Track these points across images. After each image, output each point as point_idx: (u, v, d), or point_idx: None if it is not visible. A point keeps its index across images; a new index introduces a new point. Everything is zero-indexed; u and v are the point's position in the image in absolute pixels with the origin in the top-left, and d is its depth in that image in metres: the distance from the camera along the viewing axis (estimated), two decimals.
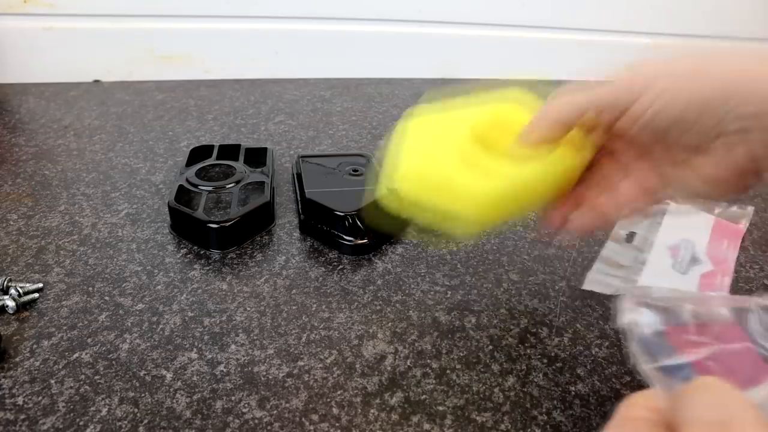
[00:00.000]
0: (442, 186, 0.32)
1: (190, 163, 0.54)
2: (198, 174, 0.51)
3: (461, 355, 0.36)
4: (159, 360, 0.35)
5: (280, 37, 0.83)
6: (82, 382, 0.33)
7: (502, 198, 0.32)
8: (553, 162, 0.33)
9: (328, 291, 0.41)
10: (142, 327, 0.37)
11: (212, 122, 0.69)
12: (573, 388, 0.34)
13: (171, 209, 0.46)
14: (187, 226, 0.45)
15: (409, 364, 0.35)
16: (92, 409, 0.31)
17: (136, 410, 0.31)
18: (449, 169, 0.32)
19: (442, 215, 0.33)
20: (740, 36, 0.98)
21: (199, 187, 0.49)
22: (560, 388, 0.34)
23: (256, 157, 0.57)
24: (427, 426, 0.31)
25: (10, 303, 0.37)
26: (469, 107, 0.37)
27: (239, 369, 0.34)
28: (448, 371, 0.35)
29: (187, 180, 0.49)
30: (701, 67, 0.28)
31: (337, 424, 0.31)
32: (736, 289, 0.44)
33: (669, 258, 0.46)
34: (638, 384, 0.35)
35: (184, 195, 0.48)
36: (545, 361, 0.36)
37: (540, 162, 0.33)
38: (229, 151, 0.56)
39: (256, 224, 0.47)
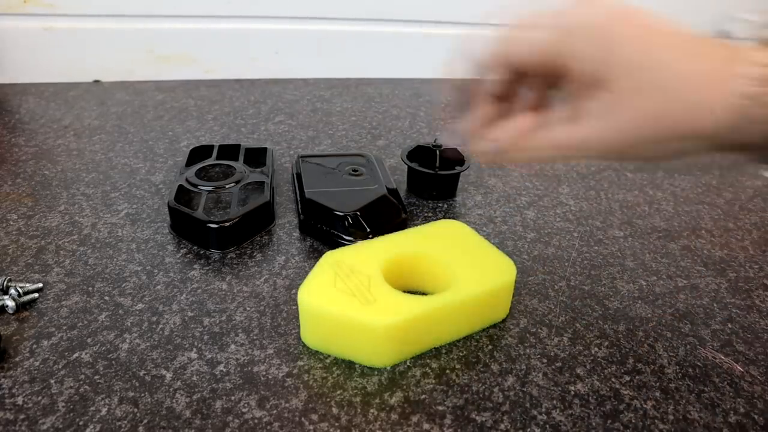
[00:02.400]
0: (342, 329, 0.35)
1: (189, 163, 0.54)
2: (198, 174, 0.51)
3: (461, 354, 0.36)
4: (159, 360, 0.35)
5: (280, 37, 0.83)
6: (81, 382, 0.33)
7: (402, 333, 0.34)
8: (458, 293, 0.36)
9: None
10: (141, 327, 0.37)
11: (212, 122, 0.69)
12: (572, 388, 0.34)
13: (171, 209, 0.46)
14: (187, 226, 0.46)
15: (408, 363, 0.35)
16: (92, 409, 0.31)
17: (135, 410, 0.31)
18: (347, 310, 0.34)
19: (353, 353, 0.35)
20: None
21: (199, 187, 0.49)
22: (560, 388, 0.34)
23: (256, 157, 0.57)
24: (426, 426, 0.31)
25: (10, 303, 0.37)
26: (392, 237, 0.42)
27: (239, 369, 0.34)
28: (447, 371, 0.35)
29: (186, 180, 0.49)
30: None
31: (336, 424, 0.31)
32: (735, 289, 0.44)
33: None
34: (638, 384, 0.35)
35: (184, 195, 0.48)
36: (545, 360, 0.36)
37: (444, 296, 0.36)
38: (229, 151, 0.56)
39: (256, 224, 0.47)
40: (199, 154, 0.56)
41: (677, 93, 0.28)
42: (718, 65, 0.28)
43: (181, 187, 0.48)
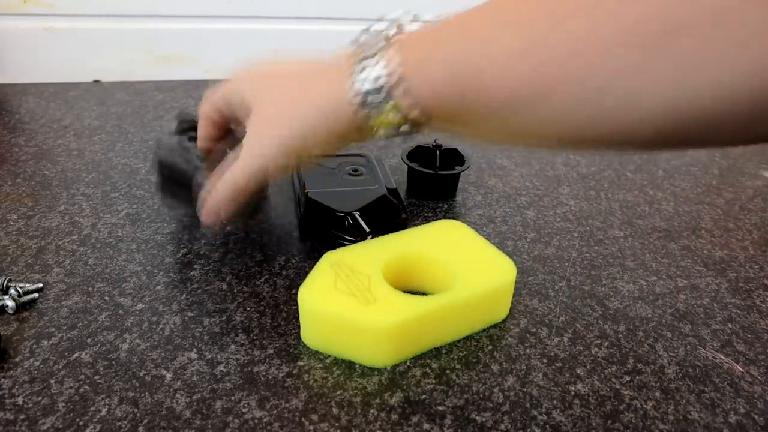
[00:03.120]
0: (342, 329, 0.34)
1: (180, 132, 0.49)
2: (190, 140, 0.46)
3: (461, 354, 0.36)
4: (159, 360, 0.35)
5: (280, 37, 0.83)
6: (81, 382, 0.33)
7: (402, 333, 0.34)
8: (459, 293, 0.36)
9: None
10: (141, 327, 0.37)
11: None
12: (573, 388, 0.34)
13: (163, 165, 0.44)
14: (177, 185, 0.43)
15: (408, 363, 0.35)
16: (92, 409, 0.31)
17: (135, 410, 0.31)
18: (347, 310, 0.34)
19: (353, 353, 0.35)
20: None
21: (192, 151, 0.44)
22: (560, 388, 0.34)
23: None
24: (426, 426, 0.31)
25: (10, 303, 0.37)
26: (392, 237, 0.42)
27: (239, 369, 0.34)
28: (447, 371, 0.35)
29: (179, 143, 0.45)
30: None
31: (336, 424, 0.31)
32: (735, 289, 0.44)
33: None
34: (638, 384, 0.35)
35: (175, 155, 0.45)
36: (545, 361, 0.36)
37: (444, 296, 0.36)
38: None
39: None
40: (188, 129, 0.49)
41: (301, 105, 0.34)
42: (325, 84, 0.34)
43: (171, 146, 0.45)
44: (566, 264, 0.46)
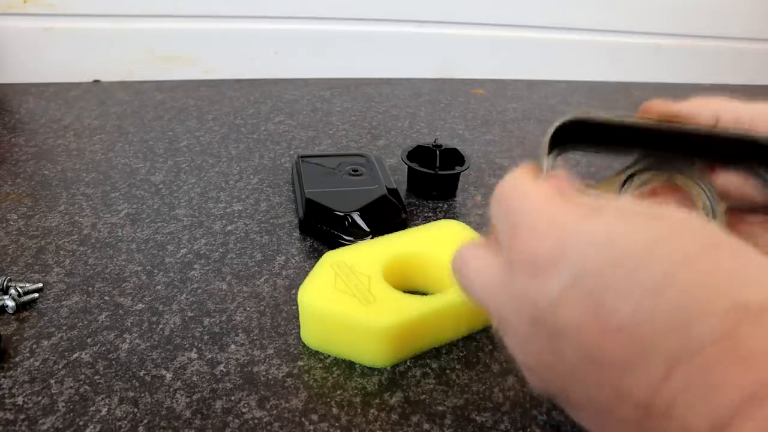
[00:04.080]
0: (342, 329, 0.34)
1: None
2: None
3: (461, 354, 0.36)
4: (159, 360, 0.35)
5: (280, 37, 0.83)
6: (81, 382, 0.33)
7: (402, 333, 0.34)
8: (458, 293, 0.35)
9: None
10: (141, 327, 0.37)
11: (212, 122, 0.69)
12: None
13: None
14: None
15: (408, 363, 0.35)
16: (92, 409, 0.31)
17: (135, 410, 0.31)
18: (347, 310, 0.34)
19: (353, 353, 0.35)
20: (741, 36, 0.98)
21: None
22: None
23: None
24: (426, 426, 0.31)
25: (10, 303, 0.37)
26: (392, 237, 0.42)
27: (239, 369, 0.34)
28: (447, 371, 0.35)
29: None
30: None
31: (336, 424, 0.31)
32: None
33: None
34: None
35: None
36: None
37: (444, 296, 0.36)
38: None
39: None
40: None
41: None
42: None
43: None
44: None
